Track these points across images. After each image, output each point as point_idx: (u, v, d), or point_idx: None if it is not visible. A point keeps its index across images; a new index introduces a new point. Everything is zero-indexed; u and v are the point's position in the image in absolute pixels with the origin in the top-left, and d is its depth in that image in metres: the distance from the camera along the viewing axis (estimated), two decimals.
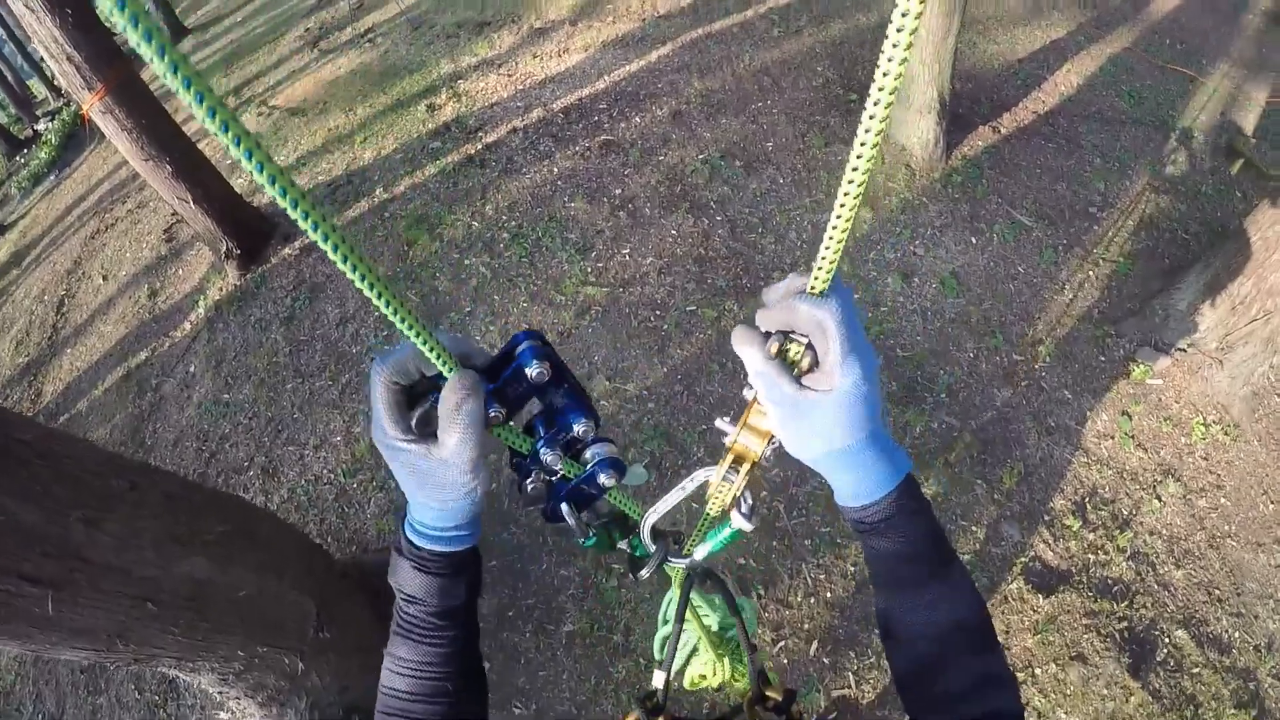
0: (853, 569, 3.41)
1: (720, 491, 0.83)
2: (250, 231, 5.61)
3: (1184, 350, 4.04)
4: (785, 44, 6.26)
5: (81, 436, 5.28)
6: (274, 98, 8.04)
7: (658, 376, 4.11)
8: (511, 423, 0.77)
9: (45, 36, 4.35)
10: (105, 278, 6.86)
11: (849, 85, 5.73)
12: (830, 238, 0.60)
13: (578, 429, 0.82)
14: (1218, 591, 3.38)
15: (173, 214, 6.82)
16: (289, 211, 0.50)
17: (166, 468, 4.69)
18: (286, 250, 5.56)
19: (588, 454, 0.86)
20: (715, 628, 1.33)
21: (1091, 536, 3.50)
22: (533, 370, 0.73)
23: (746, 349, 0.71)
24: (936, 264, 4.55)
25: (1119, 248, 4.71)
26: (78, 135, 11.48)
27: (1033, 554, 3.46)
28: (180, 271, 6.22)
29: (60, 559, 1.99)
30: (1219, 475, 3.74)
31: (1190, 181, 5.21)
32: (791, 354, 0.70)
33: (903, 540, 0.74)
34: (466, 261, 4.91)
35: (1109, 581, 3.37)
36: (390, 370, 0.68)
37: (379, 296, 0.57)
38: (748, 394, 0.76)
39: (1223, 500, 3.66)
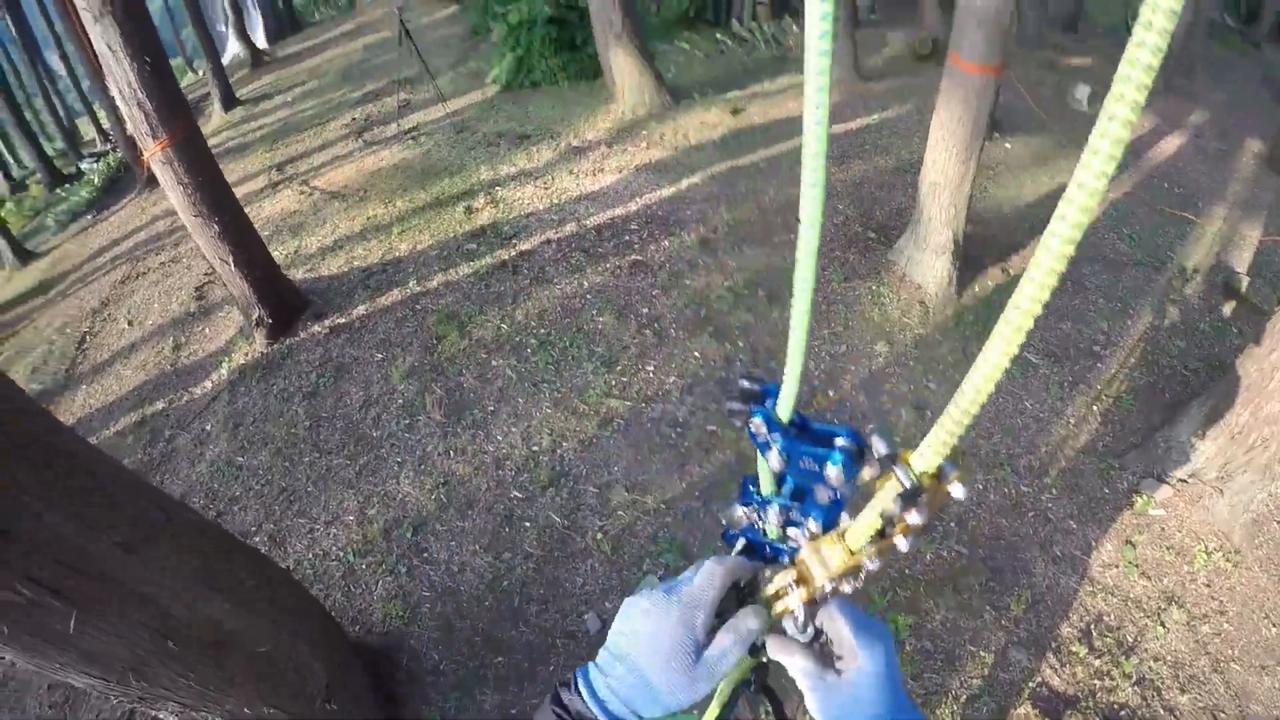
0: None
1: (779, 598, 0.81)
2: (283, 303, 5.77)
3: (1185, 481, 4.15)
4: None
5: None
6: (316, 178, 8.38)
7: (676, 491, 4.22)
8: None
9: (121, 79, 4.53)
10: (130, 323, 6.98)
11: (867, 224, 6.06)
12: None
13: (813, 527, 0.79)
14: (1223, 715, 3.38)
15: (206, 273, 7.02)
16: None
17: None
18: (316, 327, 5.73)
19: (791, 531, 0.85)
20: None
21: (1098, 663, 3.53)
22: (832, 474, 0.74)
23: (792, 658, 0.79)
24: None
25: (1122, 384, 4.91)
26: (120, 181, 11.78)
27: (1040, 680, 3.48)
28: (207, 330, 6.36)
29: (91, 578, 1.96)
30: (1221, 601, 3.78)
31: (1189, 320, 5.44)
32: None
33: None
34: (494, 362, 5.08)
35: (1115, 707, 3.39)
36: (735, 574, 0.79)
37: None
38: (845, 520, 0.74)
39: (1226, 625, 3.69)
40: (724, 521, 0.90)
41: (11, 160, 20.14)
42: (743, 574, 0.81)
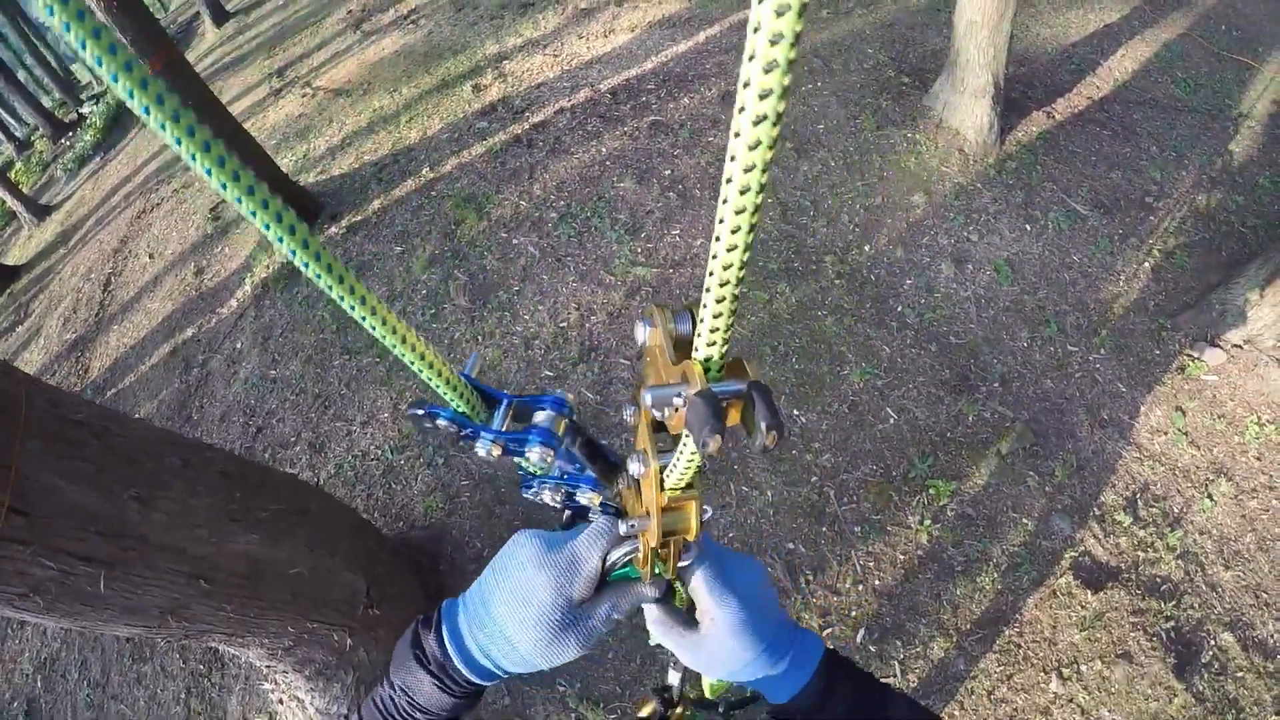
0: (902, 557, 3.37)
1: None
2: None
3: (1240, 346, 3.92)
4: (835, 25, 6.17)
5: (133, 415, 5.37)
6: (318, 79, 8.10)
7: None
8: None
9: None
10: (151, 256, 6.95)
11: (901, 68, 5.64)
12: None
13: (581, 499, 0.81)
14: (1265, 595, 3.27)
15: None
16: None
17: (213, 443, 4.76)
18: (333, 229, 5.59)
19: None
20: None
21: (1142, 533, 3.42)
22: (534, 457, 0.74)
23: (651, 618, 0.79)
24: (990, 251, 4.47)
25: (1175, 239, 4.59)
26: (122, 118, 11.63)
27: (1082, 549, 3.38)
28: (226, 250, 6.28)
29: (114, 538, 1.97)
30: (1272, 476, 3.61)
31: (1248, 173, 5.06)
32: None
33: (843, 708, 0.79)
34: (515, 241, 4.90)
35: (1157, 580, 3.29)
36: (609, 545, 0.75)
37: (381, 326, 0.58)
38: (633, 467, 0.66)
39: (1275, 502, 3.53)
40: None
41: (13, 121, 20.08)
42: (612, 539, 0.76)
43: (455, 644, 0.74)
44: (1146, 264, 4.46)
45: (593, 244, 4.75)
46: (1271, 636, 3.16)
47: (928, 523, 3.44)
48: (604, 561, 0.74)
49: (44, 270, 8.69)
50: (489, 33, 7.29)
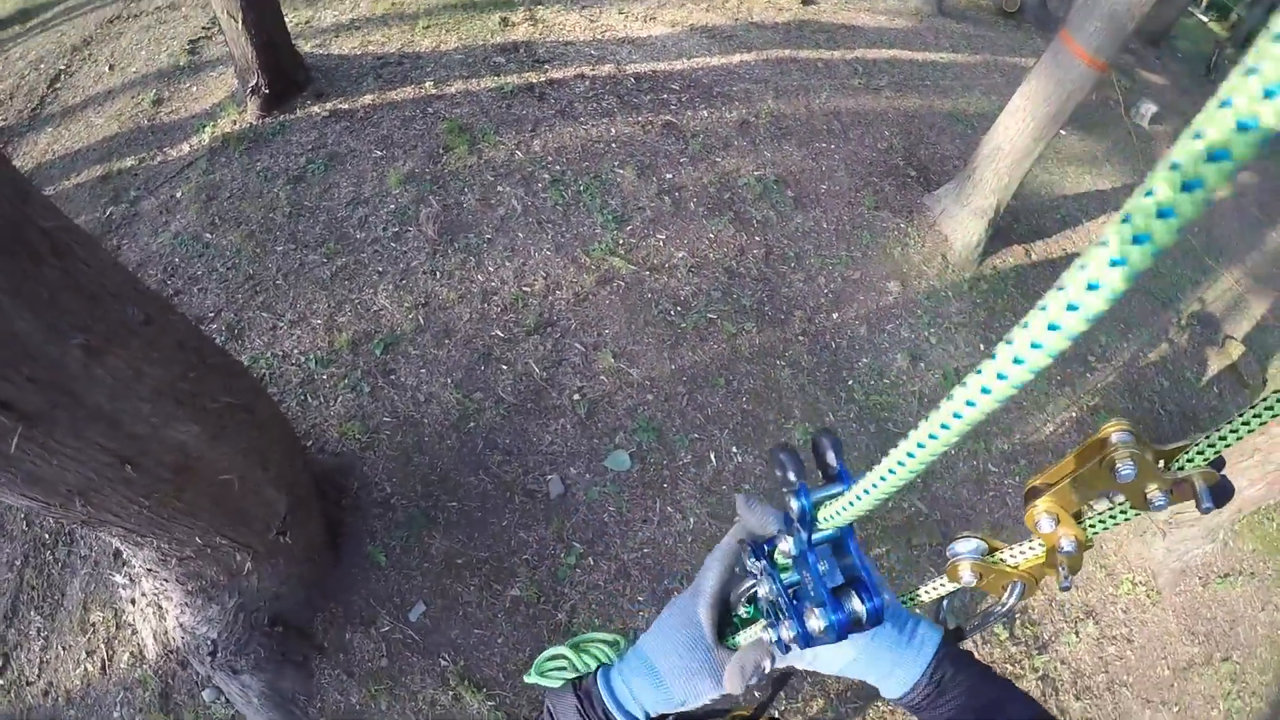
0: None
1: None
2: (285, 75, 5.26)
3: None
4: (862, 97, 6.26)
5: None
6: None
7: (664, 371, 4.05)
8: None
9: None
10: (112, 68, 6.40)
11: (910, 160, 5.78)
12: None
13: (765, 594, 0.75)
14: None
15: (205, 27, 6.43)
16: None
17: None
18: (315, 108, 5.27)
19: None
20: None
21: (1014, 650, 3.73)
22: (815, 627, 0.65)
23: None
24: (944, 357, 4.62)
25: (1102, 400, 4.90)
26: None
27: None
28: (195, 89, 5.84)
29: (46, 388, 1.63)
30: (1131, 630, 4.00)
31: (1178, 364, 5.46)
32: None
33: (954, 707, 0.84)
34: (500, 188, 4.74)
35: None
36: (728, 559, 0.79)
37: None
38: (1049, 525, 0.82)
39: (1129, 653, 3.92)
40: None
41: None
42: (734, 560, 0.79)
43: (603, 678, 0.83)
44: (1072, 413, 4.74)
45: (577, 219, 4.65)
46: None
47: None
48: (719, 577, 0.77)
49: None
50: None
